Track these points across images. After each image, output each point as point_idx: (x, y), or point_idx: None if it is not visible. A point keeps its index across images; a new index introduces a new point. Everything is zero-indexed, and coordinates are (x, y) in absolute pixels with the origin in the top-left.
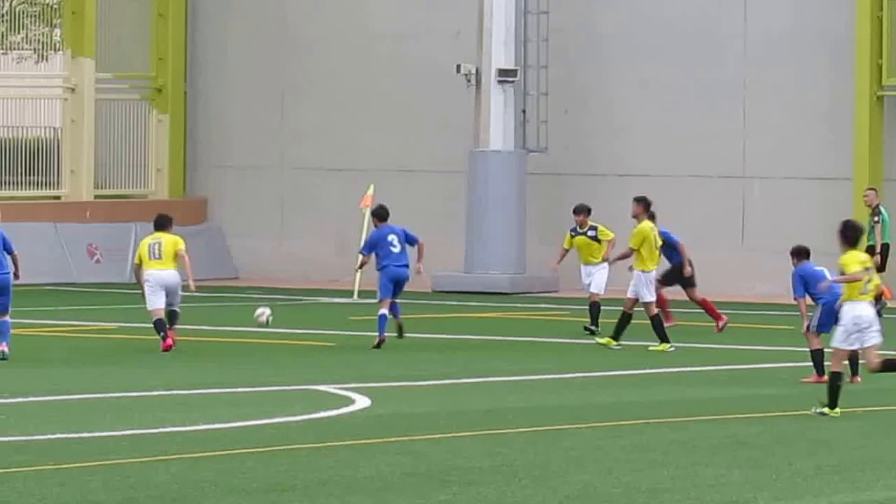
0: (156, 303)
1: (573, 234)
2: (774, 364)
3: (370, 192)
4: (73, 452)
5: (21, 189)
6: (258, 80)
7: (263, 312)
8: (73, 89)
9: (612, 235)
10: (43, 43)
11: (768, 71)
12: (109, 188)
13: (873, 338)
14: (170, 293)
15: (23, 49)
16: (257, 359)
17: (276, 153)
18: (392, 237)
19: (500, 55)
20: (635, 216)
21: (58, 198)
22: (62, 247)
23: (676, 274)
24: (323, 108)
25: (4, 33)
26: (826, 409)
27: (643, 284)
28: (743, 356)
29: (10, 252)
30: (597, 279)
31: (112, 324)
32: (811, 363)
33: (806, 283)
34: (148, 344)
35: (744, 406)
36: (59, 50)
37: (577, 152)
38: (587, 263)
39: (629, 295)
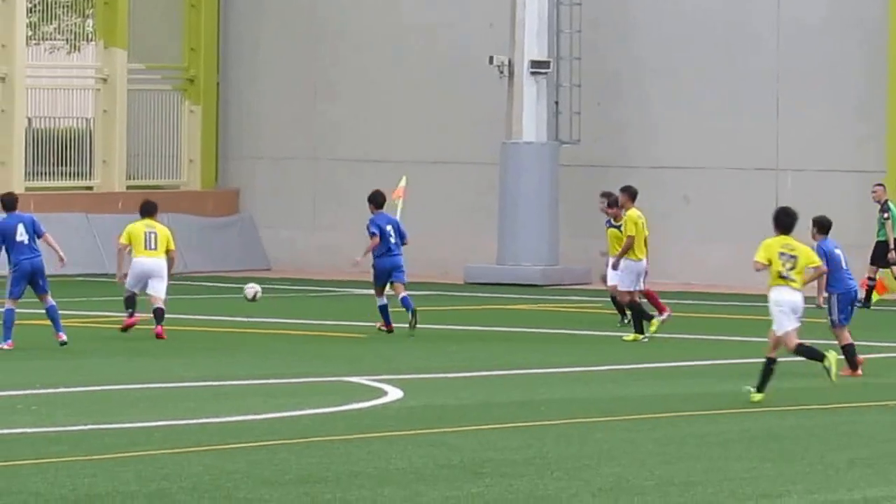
0: (133, 287)
1: (607, 225)
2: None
3: (403, 183)
4: (105, 443)
5: (53, 179)
6: (291, 71)
7: (253, 287)
8: (105, 80)
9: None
10: (75, 33)
11: (802, 62)
12: (141, 179)
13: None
14: (154, 279)
15: (55, 39)
16: (289, 350)
17: (309, 144)
18: (389, 227)
19: (533, 46)
20: (622, 206)
21: (90, 188)
22: (94, 237)
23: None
24: (355, 100)
25: (37, 23)
26: (752, 390)
27: (629, 273)
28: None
29: (40, 235)
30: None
31: (144, 314)
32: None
33: (826, 261)
34: (180, 334)
35: (776, 399)
36: (91, 40)
37: (609, 144)
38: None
39: (614, 284)
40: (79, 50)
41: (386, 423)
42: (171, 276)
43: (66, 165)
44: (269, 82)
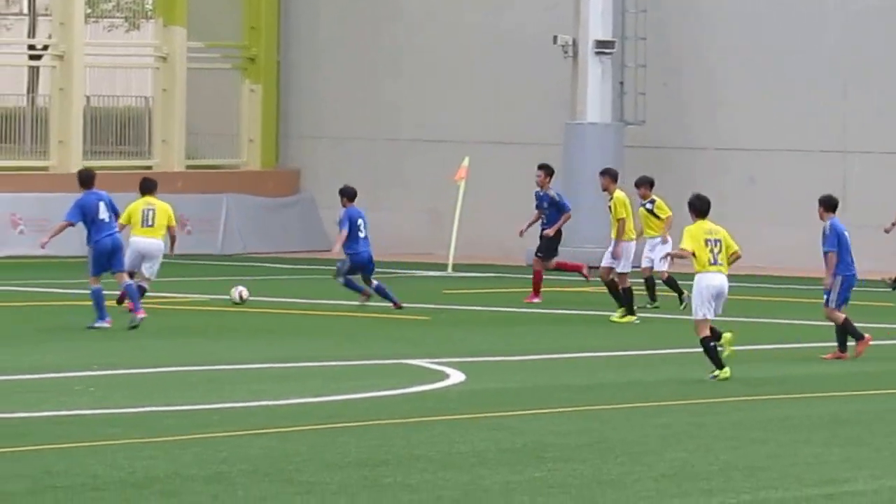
0: (131, 266)
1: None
2: (874, 342)
3: (465, 164)
4: (164, 425)
5: (112, 159)
6: (351, 50)
7: (238, 290)
8: (164, 58)
9: (668, 213)
10: (134, 11)
11: (870, 43)
12: (201, 159)
13: (718, 307)
14: (148, 260)
15: (114, 17)
16: (351, 333)
17: (370, 124)
18: (360, 221)
19: (598, 26)
20: (605, 189)
21: (149, 168)
22: None
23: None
24: (417, 79)
25: (95, 1)
26: (717, 373)
27: (625, 254)
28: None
29: (118, 214)
30: (654, 255)
31: (204, 296)
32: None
33: (837, 241)
34: (240, 316)
35: (844, 383)
36: (150, 18)
37: (675, 125)
38: (647, 237)
39: (604, 264)
40: (137, 28)
41: (448, 406)
42: (171, 253)
43: (124, 145)
44: (329, 61)
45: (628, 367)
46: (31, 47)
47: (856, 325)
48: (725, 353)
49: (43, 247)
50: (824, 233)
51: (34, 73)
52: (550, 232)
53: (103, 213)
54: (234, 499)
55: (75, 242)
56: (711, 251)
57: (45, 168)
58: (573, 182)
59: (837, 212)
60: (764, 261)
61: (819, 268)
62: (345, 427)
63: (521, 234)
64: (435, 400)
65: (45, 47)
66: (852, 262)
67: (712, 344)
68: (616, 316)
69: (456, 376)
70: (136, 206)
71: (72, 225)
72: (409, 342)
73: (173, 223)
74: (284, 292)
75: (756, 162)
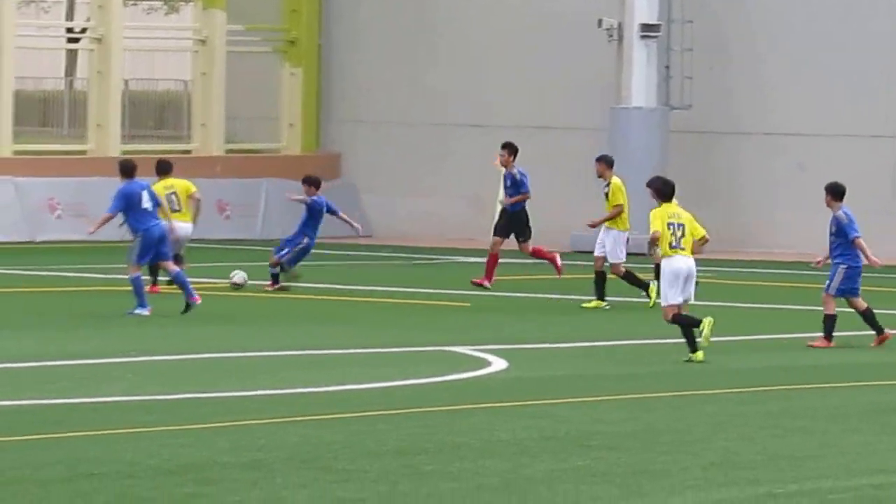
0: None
1: None
2: None
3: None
4: (200, 413)
5: (151, 143)
6: (393, 34)
7: (237, 274)
8: (203, 41)
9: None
10: None
11: None
12: (240, 143)
13: (689, 290)
14: (177, 244)
15: (153, 0)
16: (391, 319)
17: (411, 108)
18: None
19: (643, 9)
20: (600, 176)
21: (188, 152)
22: None
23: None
24: (459, 63)
25: None
26: (691, 356)
27: (619, 244)
28: (893, 321)
29: (158, 203)
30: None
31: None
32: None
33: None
34: (278, 303)
35: (893, 372)
36: (189, 1)
37: (721, 110)
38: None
39: (597, 254)
40: (176, 11)
41: (490, 393)
42: (195, 223)
43: (163, 128)
44: (370, 45)
45: (673, 354)
46: (70, 30)
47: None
48: (701, 342)
49: (90, 233)
50: (841, 221)
51: (72, 56)
52: (508, 202)
53: (146, 203)
54: (273, 486)
55: (111, 228)
56: (674, 234)
57: (82, 152)
58: (618, 167)
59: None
60: (812, 247)
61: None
62: (384, 415)
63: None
64: (476, 387)
65: (84, 30)
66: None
67: (684, 324)
68: (651, 298)
69: (498, 363)
70: (158, 191)
71: (114, 217)
72: (450, 329)
73: (193, 188)
74: (324, 278)
75: (805, 147)
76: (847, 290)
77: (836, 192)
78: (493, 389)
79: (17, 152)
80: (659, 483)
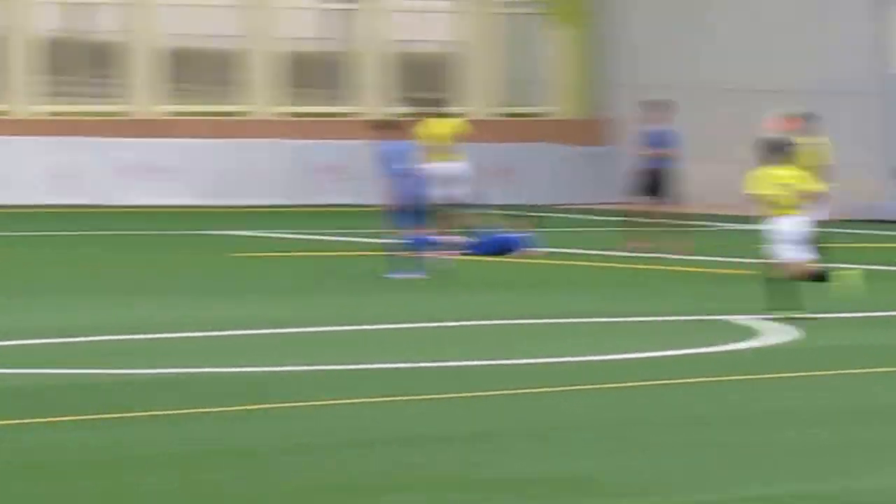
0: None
1: None
2: None
3: (782, 114)
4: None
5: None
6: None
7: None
8: (477, 3)
9: None
10: None
11: None
12: (512, 106)
13: None
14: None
15: None
16: (670, 288)
17: (687, 72)
18: None
19: None
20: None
21: (462, 115)
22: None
23: None
24: (732, 26)
25: None
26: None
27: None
28: None
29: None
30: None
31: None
32: None
33: None
34: (549, 269)
35: None
36: None
37: None
38: None
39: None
40: None
41: (789, 362)
42: None
43: (434, 92)
44: (645, 7)
45: None
46: None
47: None
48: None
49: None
50: None
51: (343, 17)
52: None
53: (411, 163)
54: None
55: (370, 191)
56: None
57: (343, 115)
58: (894, 133)
59: None
60: None
61: None
62: (672, 384)
63: None
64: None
65: None
66: None
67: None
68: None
69: (780, 333)
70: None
71: (390, 177)
72: (723, 298)
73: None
74: (591, 244)
75: None
76: None
77: None
78: (793, 358)
79: (295, 114)
80: None
